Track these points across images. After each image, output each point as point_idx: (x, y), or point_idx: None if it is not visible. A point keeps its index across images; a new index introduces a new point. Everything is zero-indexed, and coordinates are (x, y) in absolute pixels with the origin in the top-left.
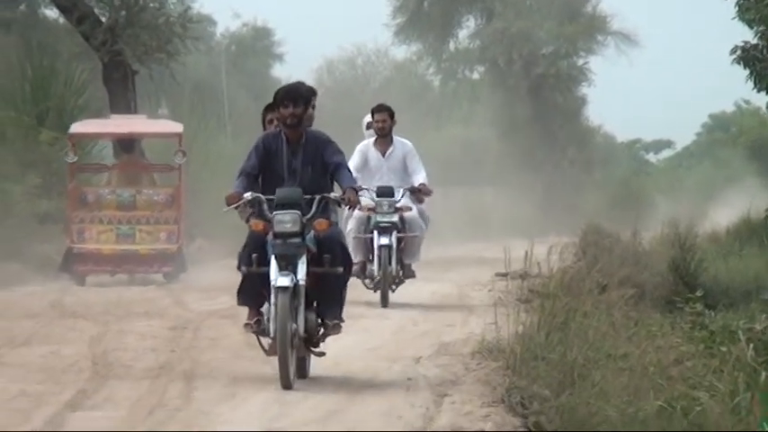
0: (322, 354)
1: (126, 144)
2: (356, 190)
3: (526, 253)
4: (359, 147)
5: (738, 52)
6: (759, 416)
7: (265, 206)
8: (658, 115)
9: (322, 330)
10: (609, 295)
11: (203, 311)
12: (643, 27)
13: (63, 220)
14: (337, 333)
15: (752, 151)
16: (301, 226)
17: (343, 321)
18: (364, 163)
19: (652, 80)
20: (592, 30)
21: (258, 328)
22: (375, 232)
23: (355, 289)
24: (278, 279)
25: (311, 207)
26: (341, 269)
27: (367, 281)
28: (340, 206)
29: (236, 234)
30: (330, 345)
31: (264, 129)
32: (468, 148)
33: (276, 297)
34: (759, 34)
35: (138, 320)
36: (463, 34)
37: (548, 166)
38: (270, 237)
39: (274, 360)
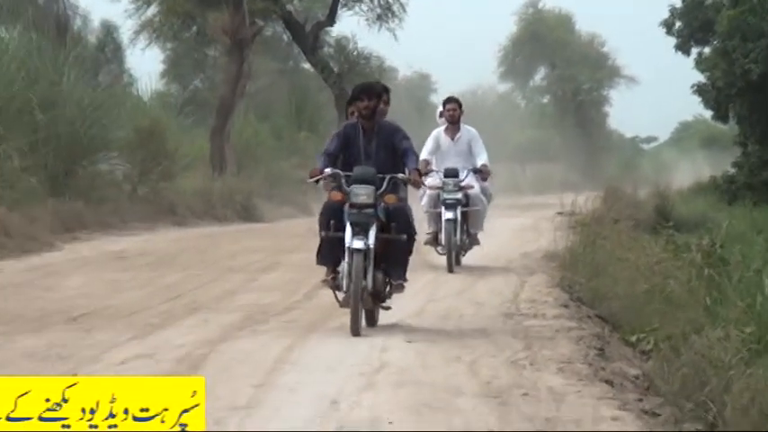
0: (388, 308)
1: None
2: (420, 172)
3: (573, 201)
4: (433, 133)
5: (695, 87)
6: (703, 292)
7: (343, 181)
8: (650, 122)
9: (388, 288)
10: (619, 225)
11: None
12: (642, 68)
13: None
14: (401, 292)
15: (702, 143)
16: (374, 199)
17: (406, 281)
18: (437, 146)
19: (645, 102)
20: (611, 74)
21: (334, 283)
22: (442, 207)
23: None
24: (353, 242)
25: (382, 184)
26: (405, 236)
27: (439, 248)
28: (406, 185)
29: None
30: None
31: (347, 118)
32: (539, 142)
33: (351, 257)
34: (706, 77)
35: None
36: (538, 77)
37: (586, 152)
38: (346, 207)
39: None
